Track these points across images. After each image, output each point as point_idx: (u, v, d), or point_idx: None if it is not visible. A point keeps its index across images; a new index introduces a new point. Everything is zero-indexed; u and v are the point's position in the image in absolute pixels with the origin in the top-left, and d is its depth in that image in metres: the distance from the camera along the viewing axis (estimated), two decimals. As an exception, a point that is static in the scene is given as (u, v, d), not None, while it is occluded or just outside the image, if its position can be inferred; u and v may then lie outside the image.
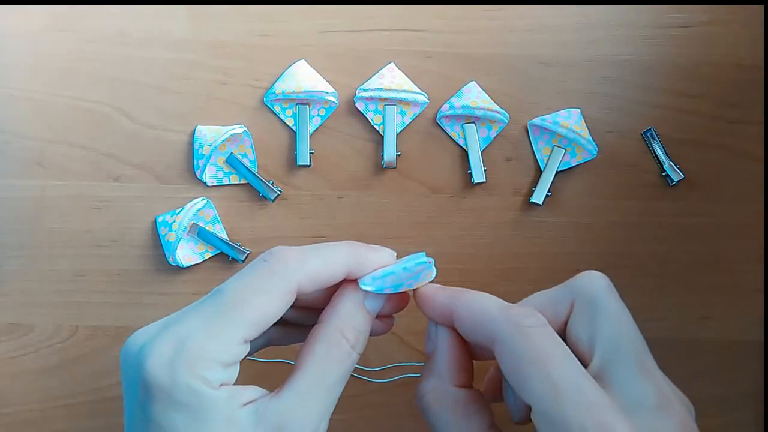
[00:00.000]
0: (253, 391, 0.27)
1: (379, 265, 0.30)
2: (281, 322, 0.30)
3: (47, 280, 0.48)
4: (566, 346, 0.26)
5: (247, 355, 0.28)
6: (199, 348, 0.26)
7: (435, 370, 0.30)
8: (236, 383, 0.27)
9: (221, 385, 0.26)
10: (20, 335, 0.48)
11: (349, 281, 0.30)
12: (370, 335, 0.30)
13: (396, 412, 0.48)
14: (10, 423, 0.48)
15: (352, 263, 0.29)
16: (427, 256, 0.30)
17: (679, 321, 0.48)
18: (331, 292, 0.30)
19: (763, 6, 0.48)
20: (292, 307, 0.29)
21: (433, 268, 0.31)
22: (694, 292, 0.49)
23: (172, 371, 0.25)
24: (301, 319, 0.33)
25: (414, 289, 0.31)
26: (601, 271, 0.30)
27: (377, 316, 0.31)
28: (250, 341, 0.27)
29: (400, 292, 0.31)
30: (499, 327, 0.27)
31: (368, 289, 0.29)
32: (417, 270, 0.30)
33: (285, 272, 0.28)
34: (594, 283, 0.29)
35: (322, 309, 0.30)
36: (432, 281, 0.32)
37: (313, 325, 0.30)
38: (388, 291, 0.30)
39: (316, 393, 0.27)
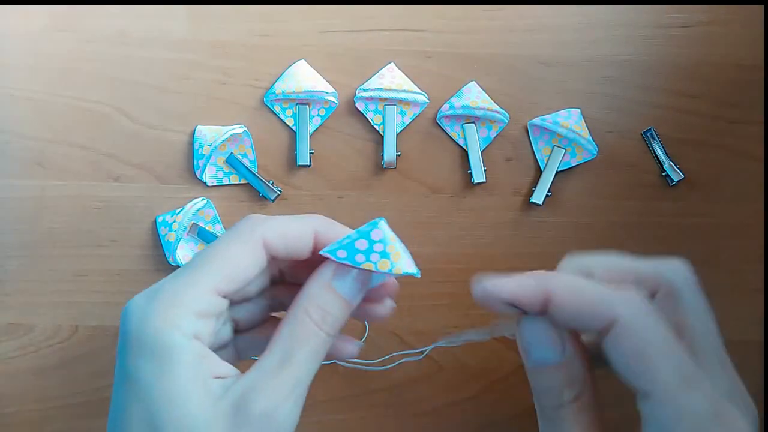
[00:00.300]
0: (228, 368, 0.27)
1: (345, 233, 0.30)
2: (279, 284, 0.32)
3: (47, 280, 0.48)
4: None
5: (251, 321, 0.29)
6: (171, 296, 0.26)
7: (573, 378, 0.26)
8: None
9: (194, 336, 0.26)
10: (20, 335, 0.48)
11: (320, 267, 0.30)
12: (370, 320, 0.30)
13: (396, 413, 0.48)
14: (9, 423, 0.48)
15: (319, 225, 0.30)
16: (382, 219, 0.29)
17: (679, 321, 0.48)
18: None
19: (763, 6, 0.48)
20: (277, 285, 0.30)
21: (396, 249, 0.29)
22: (694, 292, 0.49)
23: (143, 317, 0.26)
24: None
25: (391, 275, 0.30)
26: None
27: (370, 300, 0.31)
28: (230, 299, 0.28)
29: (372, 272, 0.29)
30: (621, 310, 0.25)
31: (325, 254, 0.28)
32: (366, 229, 0.29)
33: (251, 226, 0.29)
34: (683, 273, 0.28)
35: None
36: (412, 275, 0.30)
37: None
38: (344, 261, 0.28)
39: (282, 370, 0.27)
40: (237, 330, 0.31)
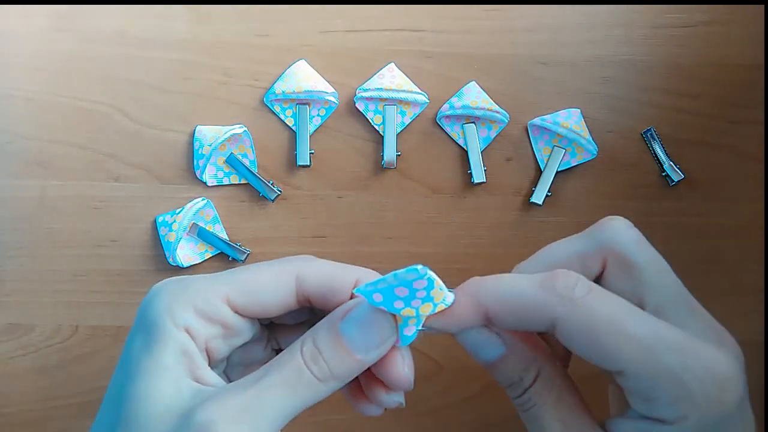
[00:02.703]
0: (213, 378, 0.26)
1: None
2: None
3: (47, 280, 0.48)
4: (622, 297, 0.25)
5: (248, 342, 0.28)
6: (183, 288, 0.27)
7: (525, 362, 0.27)
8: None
9: (185, 330, 0.26)
10: (20, 335, 0.48)
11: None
12: (364, 407, 0.28)
13: (396, 412, 0.48)
14: (10, 423, 0.48)
15: (361, 271, 0.28)
16: (425, 268, 0.24)
17: (679, 321, 0.48)
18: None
19: (763, 6, 0.48)
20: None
21: (439, 288, 0.25)
22: (694, 292, 0.48)
23: (153, 298, 0.27)
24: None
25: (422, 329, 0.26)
26: None
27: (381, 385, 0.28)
28: (247, 315, 0.27)
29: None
30: (554, 310, 0.24)
31: (359, 294, 0.25)
32: (409, 278, 0.24)
33: (290, 259, 0.28)
34: (624, 234, 0.28)
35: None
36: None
37: None
38: (378, 301, 0.25)
39: (243, 393, 0.24)
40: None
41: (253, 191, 0.48)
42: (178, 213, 0.47)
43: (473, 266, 0.48)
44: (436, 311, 0.26)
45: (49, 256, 0.48)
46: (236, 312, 0.27)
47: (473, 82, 0.48)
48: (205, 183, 0.48)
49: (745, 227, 0.49)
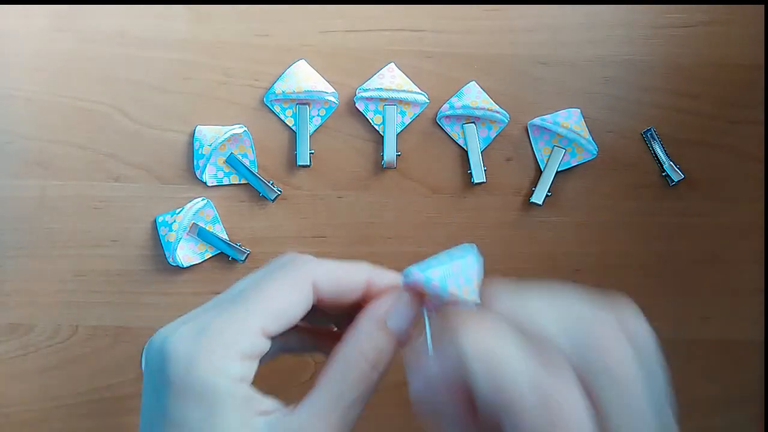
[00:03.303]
0: (271, 403, 0.26)
1: (397, 281, 0.28)
2: (295, 327, 0.29)
3: (47, 280, 0.48)
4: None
5: (262, 359, 0.27)
6: (218, 335, 0.25)
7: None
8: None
9: (240, 380, 0.25)
10: (20, 335, 0.48)
11: (372, 304, 0.28)
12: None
13: (396, 412, 0.48)
14: (10, 423, 0.48)
15: (372, 272, 0.28)
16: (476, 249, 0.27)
17: (679, 321, 0.48)
18: (352, 307, 0.29)
19: (763, 6, 0.48)
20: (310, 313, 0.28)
21: (477, 260, 0.27)
22: (694, 292, 0.49)
23: (190, 360, 0.25)
24: (316, 321, 0.31)
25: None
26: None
27: None
28: (271, 337, 0.27)
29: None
30: (520, 398, 0.21)
31: (413, 275, 0.27)
32: (461, 255, 0.27)
33: (304, 266, 0.27)
34: (603, 349, 0.23)
35: (338, 315, 0.30)
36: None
37: (330, 330, 0.29)
38: (435, 284, 0.26)
39: (332, 412, 0.26)
40: None
41: (253, 191, 0.48)
42: (178, 213, 0.47)
43: (473, 266, 0.48)
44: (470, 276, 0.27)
45: (49, 256, 0.48)
46: (269, 337, 0.27)
47: (473, 82, 0.48)
48: (205, 183, 0.48)
49: (745, 227, 0.49)
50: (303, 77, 0.47)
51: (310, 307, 0.27)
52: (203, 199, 0.48)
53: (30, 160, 0.48)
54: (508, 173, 0.49)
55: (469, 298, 0.27)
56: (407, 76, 0.48)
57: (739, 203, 0.49)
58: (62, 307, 0.48)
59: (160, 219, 0.48)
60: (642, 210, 0.49)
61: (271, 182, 0.48)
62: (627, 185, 0.49)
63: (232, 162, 0.48)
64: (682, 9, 0.48)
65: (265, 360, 0.28)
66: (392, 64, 0.48)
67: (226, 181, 0.48)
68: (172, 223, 0.47)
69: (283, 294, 0.26)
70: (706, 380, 0.48)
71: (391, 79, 0.47)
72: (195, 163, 0.47)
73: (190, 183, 0.48)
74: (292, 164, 0.48)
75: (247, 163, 0.48)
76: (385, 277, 0.29)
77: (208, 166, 0.47)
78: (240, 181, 0.48)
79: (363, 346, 0.27)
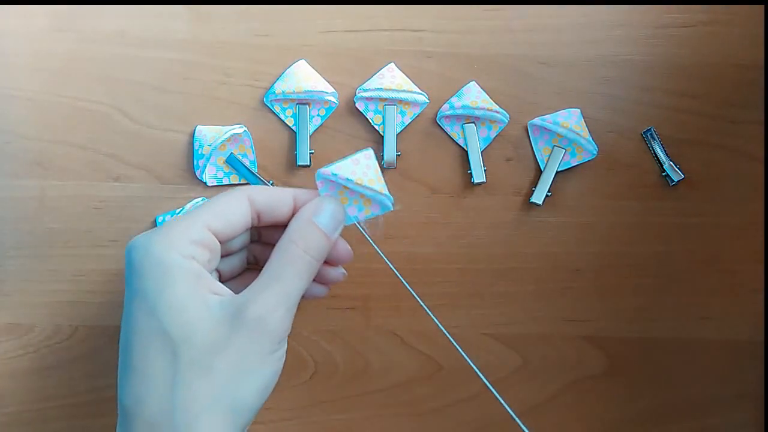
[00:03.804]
0: (224, 288, 0.32)
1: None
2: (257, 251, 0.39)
3: (47, 280, 0.48)
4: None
5: (228, 255, 0.36)
6: (170, 229, 0.32)
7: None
8: None
9: (191, 257, 0.31)
10: (20, 335, 0.48)
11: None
12: (325, 282, 0.38)
13: (396, 412, 0.48)
14: (9, 423, 0.48)
15: (296, 190, 0.37)
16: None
17: (679, 321, 0.48)
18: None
19: (763, 6, 0.48)
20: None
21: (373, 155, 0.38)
22: (694, 292, 0.49)
23: (146, 247, 0.31)
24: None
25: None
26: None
27: (328, 263, 0.37)
28: (219, 237, 0.33)
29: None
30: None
31: (322, 173, 0.37)
32: (360, 157, 0.37)
33: (239, 188, 0.36)
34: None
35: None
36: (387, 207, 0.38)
37: None
38: (342, 181, 0.36)
39: (271, 286, 0.32)
40: (220, 280, 0.37)
41: (253, 191, 0.48)
42: (178, 213, 0.47)
43: (473, 266, 0.48)
44: (373, 193, 0.38)
45: (49, 256, 0.48)
46: (216, 236, 0.33)
47: (473, 82, 0.48)
48: (205, 183, 0.48)
49: (745, 227, 0.49)
50: (303, 77, 0.47)
51: (248, 214, 0.34)
52: (203, 199, 0.48)
53: (30, 160, 0.48)
54: (508, 173, 0.49)
55: (376, 187, 0.37)
56: (407, 76, 0.48)
57: (739, 203, 0.49)
58: (62, 307, 0.48)
59: (160, 219, 0.48)
60: (642, 210, 0.49)
61: (271, 182, 0.48)
62: (627, 185, 0.49)
63: (232, 162, 0.48)
64: (682, 9, 0.48)
65: (236, 271, 0.38)
66: (392, 64, 0.48)
67: (226, 181, 0.48)
68: (172, 223, 0.47)
69: (223, 201, 0.34)
70: (706, 380, 0.48)
71: (391, 79, 0.47)
72: (195, 163, 0.47)
73: (190, 183, 0.48)
74: (292, 164, 0.48)
75: (247, 163, 0.48)
76: (308, 192, 0.37)
77: (208, 166, 0.47)
78: (240, 181, 0.48)
79: (292, 236, 0.34)
